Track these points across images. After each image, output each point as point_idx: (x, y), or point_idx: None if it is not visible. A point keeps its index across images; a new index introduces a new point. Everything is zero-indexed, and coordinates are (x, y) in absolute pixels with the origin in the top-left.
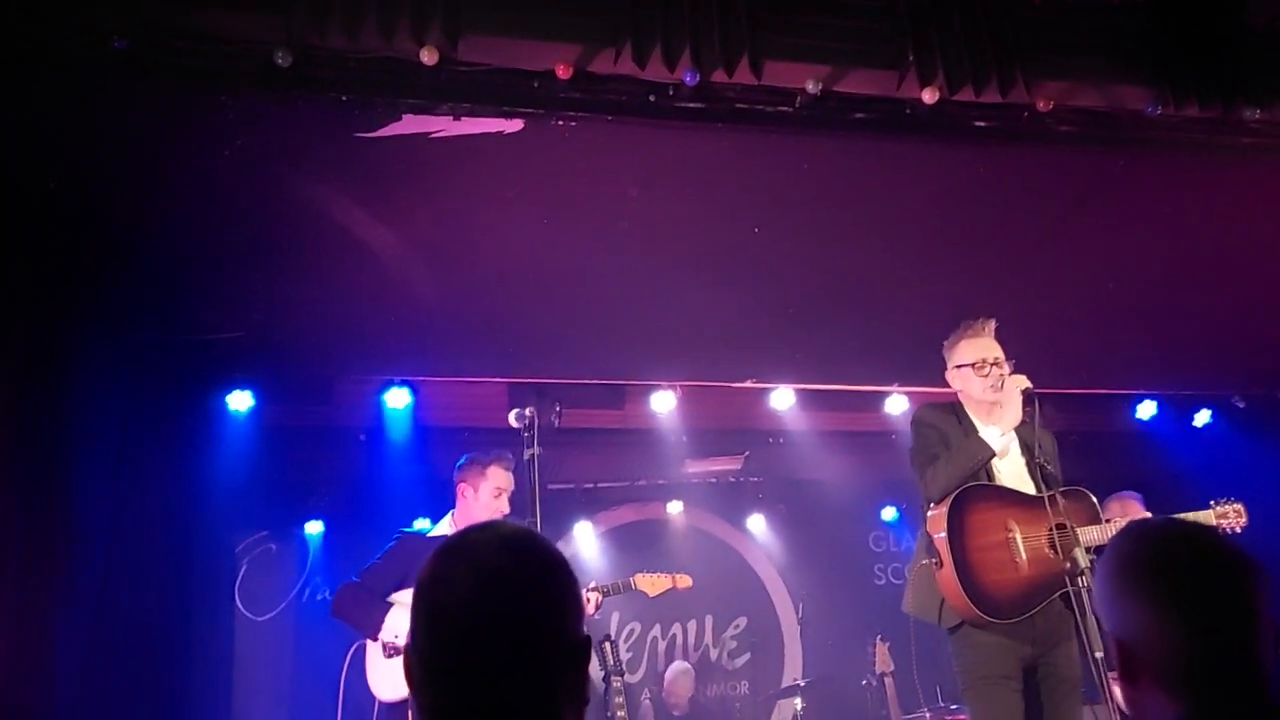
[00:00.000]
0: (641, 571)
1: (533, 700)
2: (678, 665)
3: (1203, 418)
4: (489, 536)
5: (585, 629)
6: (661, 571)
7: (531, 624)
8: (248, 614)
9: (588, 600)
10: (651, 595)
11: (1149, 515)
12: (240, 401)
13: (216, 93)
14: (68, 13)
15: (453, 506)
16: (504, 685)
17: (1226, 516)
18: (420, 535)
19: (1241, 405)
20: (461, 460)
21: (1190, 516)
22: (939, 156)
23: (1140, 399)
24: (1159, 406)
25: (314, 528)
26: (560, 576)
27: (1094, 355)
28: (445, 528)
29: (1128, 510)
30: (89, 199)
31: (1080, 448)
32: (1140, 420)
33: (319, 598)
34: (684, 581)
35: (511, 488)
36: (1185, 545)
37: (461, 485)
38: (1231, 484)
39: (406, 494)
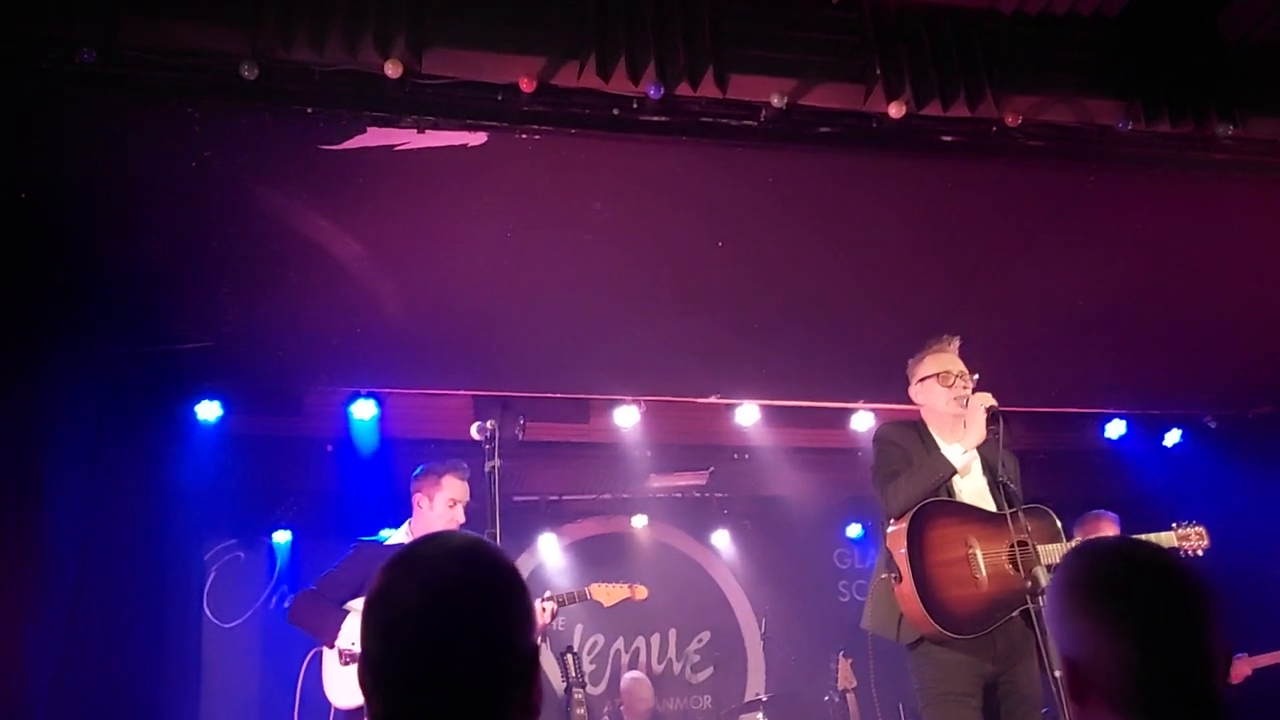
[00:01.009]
0: (598, 581)
1: (482, 711)
2: (633, 674)
3: (1173, 438)
4: (438, 548)
5: (539, 639)
6: (619, 582)
7: (479, 635)
8: (216, 621)
9: (542, 610)
10: (607, 605)
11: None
12: (209, 411)
13: (183, 105)
14: (35, 26)
15: (410, 516)
16: (453, 696)
17: (1188, 539)
18: (377, 543)
19: (1213, 425)
20: (417, 470)
21: (1151, 538)
22: (906, 171)
23: (1109, 418)
24: (1129, 426)
25: (282, 536)
26: (509, 587)
27: (1062, 373)
28: (402, 536)
29: (1102, 529)
30: (58, 211)
31: (1048, 467)
32: (1109, 439)
33: (285, 605)
34: (640, 592)
35: (466, 498)
36: (1138, 565)
37: (417, 495)
38: (1201, 505)
39: (373, 504)
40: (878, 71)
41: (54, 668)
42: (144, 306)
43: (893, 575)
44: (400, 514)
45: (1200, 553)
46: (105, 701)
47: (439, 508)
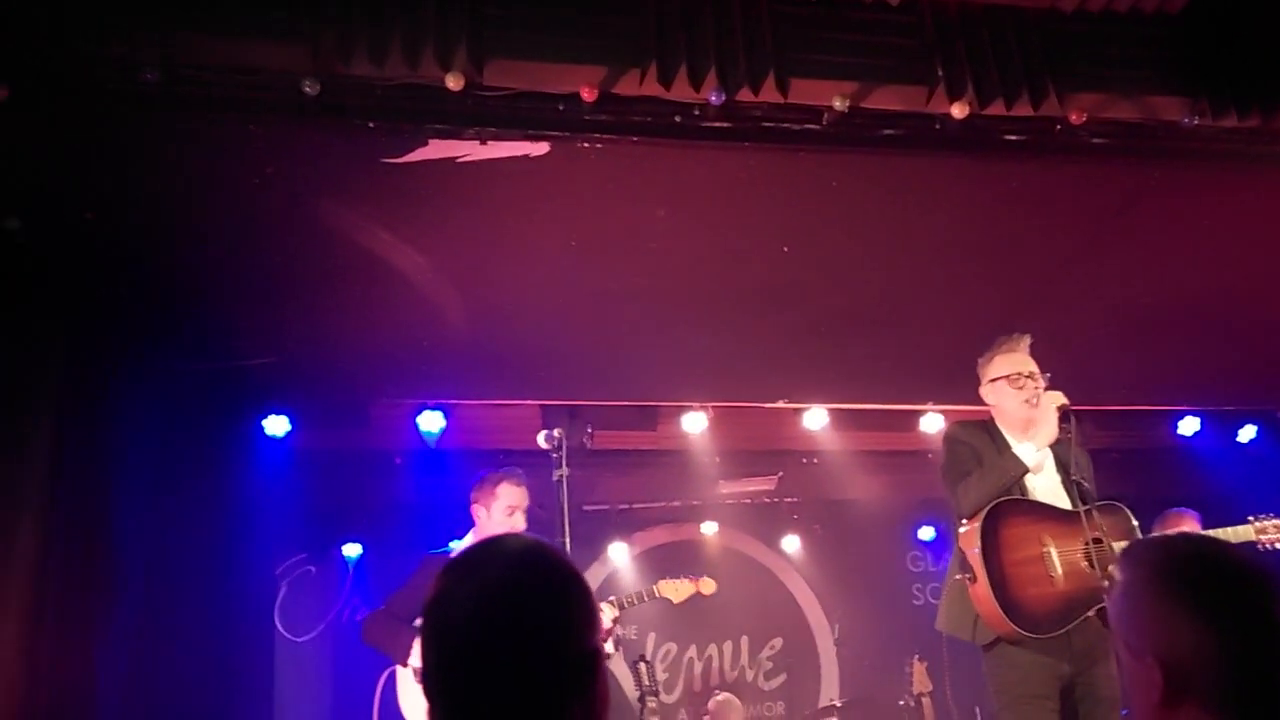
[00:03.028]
0: (664, 579)
1: (543, 714)
2: (723, 696)
3: (1248, 433)
4: (493, 552)
5: (611, 645)
6: (684, 577)
7: (535, 640)
8: (288, 635)
9: (602, 614)
10: (676, 602)
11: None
12: (276, 426)
13: (245, 122)
14: (99, 47)
15: (472, 526)
16: (511, 700)
17: (1266, 532)
18: (444, 556)
19: None
20: (473, 480)
21: (1230, 531)
22: (970, 172)
23: (1182, 415)
24: (1202, 423)
25: (352, 550)
26: (566, 589)
27: (1133, 371)
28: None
29: (1183, 527)
30: (124, 229)
31: (1120, 465)
32: (1182, 436)
33: (357, 619)
34: (708, 586)
35: (525, 504)
36: (1223, 558)
37: (475, 505)
38: (1278, 501)
39: (442, 516)
40: (939, 72)
41: (124, 682)
42: (209, 323)
43: (967, 576)
44: (469, 525)
45: (1279, 546)
46: (177, 716)
47: (497, 516)
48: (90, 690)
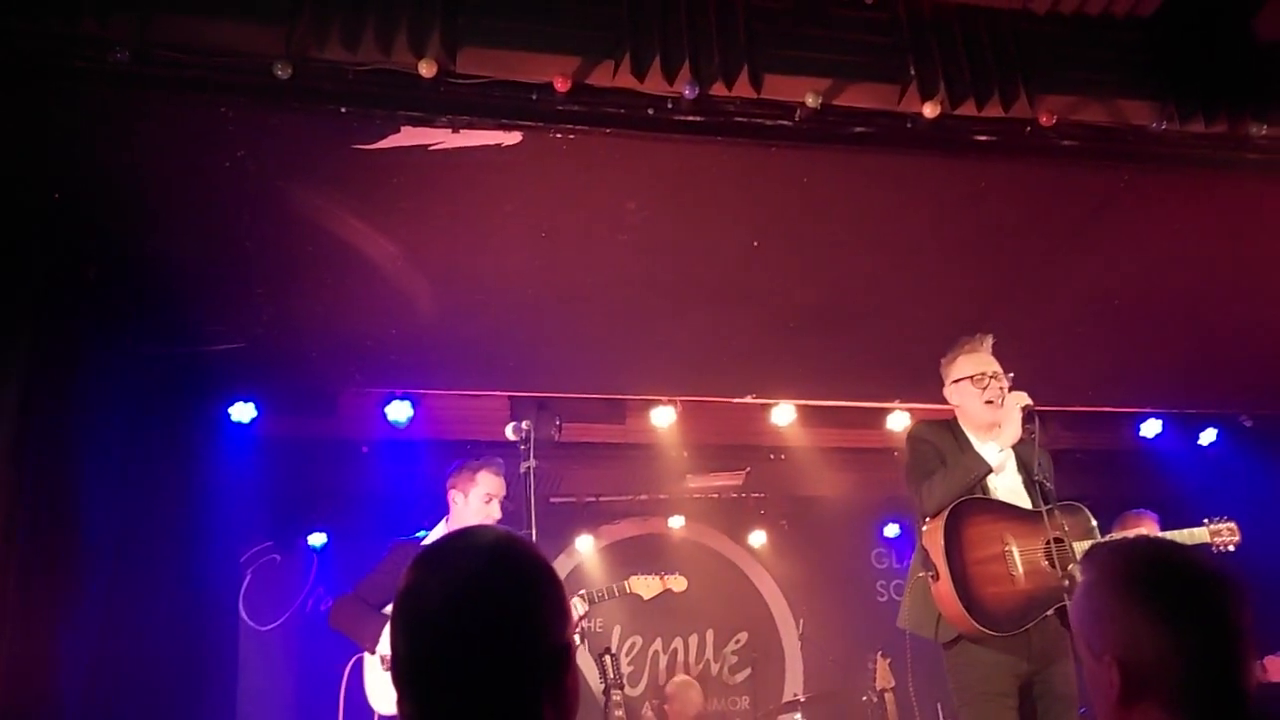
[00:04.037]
0: (635, 575)
1: (513, 707)
2: (682, 679)
3: (1209, 436)
4: (466, 544)
5: (572, 634)
6: (655, 574)
7: (507, 631)
8: (252, 624)
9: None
10: (646, 598)
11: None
12: (243, 413)
13: (216, 104)
14: (68, 25)
15: (446, 513)
16: (481, 696)
17: (1220, 534)
18: (414, 542)
19: (1249, 424)
20: (452, 466)
21: (1184, 533)
22: (940, 171)
23: (1145, 417)
24: (1164, 425)
25: (317, 539)
26: (538, 582)
27: (1098, 372)
28: (439, 535)
29: (1142, 528)
30: (92, 211)
31: (1084, 466)
32: (1145, 439)
33: (322, 608)
34: (678, 583)
35: (502, 493)
36: (1183, 562)
37: (452, 491)
38: (1237, 504)
39: (409, 505)
40: (912, 71)
41: (88, 669)
42: (177, 308)
43: (930, 573)
44: (436, 515)
45: (1232, 548)
46: (140, 704)
47: (474, 503)
48: (53, 673)
